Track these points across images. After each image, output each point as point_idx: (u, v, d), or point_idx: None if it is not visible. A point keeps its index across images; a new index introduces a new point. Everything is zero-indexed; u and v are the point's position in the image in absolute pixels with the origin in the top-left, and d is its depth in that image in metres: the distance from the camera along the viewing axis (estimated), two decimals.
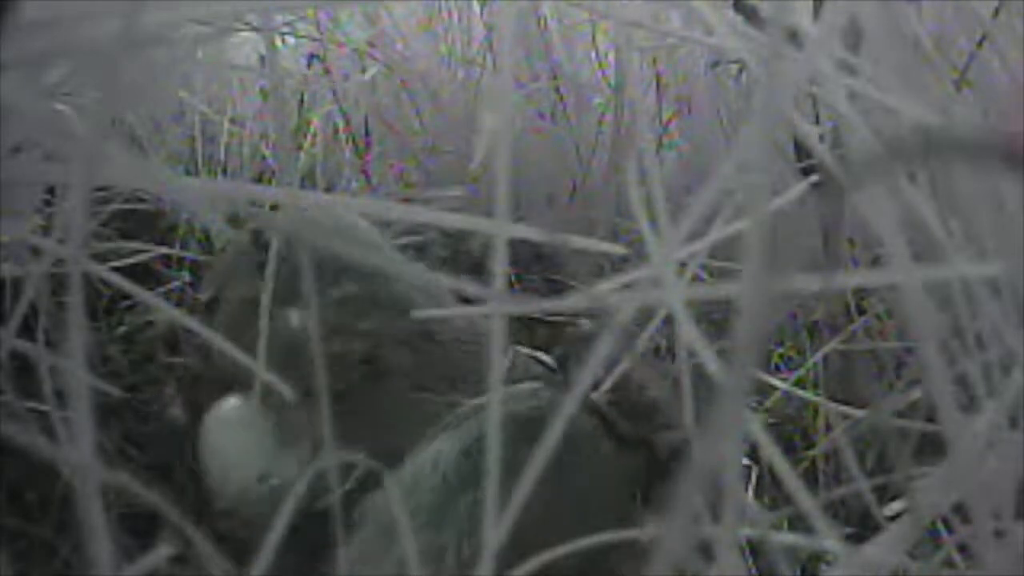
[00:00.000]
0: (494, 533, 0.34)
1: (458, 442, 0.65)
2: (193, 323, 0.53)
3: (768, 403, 0.81)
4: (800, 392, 0.76)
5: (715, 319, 0.82)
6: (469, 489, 0.62)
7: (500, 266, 0.35)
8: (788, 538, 0.43)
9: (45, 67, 0.44)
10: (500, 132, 0.34)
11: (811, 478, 0.78)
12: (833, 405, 0.74)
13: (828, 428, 0.77)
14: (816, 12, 0.67)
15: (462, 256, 1.03)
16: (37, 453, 0.33)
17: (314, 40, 1.16)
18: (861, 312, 0.79)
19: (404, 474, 0.64)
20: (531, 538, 0.60)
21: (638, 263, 0.42)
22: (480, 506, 0.63)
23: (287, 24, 1.08)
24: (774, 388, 0.78)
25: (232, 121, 1.19)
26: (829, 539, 0.36)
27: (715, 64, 1.00)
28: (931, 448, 0.60)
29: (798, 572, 0.65)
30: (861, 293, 0.79)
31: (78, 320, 0.32)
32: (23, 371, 0.70)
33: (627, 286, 0.41)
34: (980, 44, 0.67)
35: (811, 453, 0.77)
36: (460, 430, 0.66)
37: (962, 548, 0.42)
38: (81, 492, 0.31)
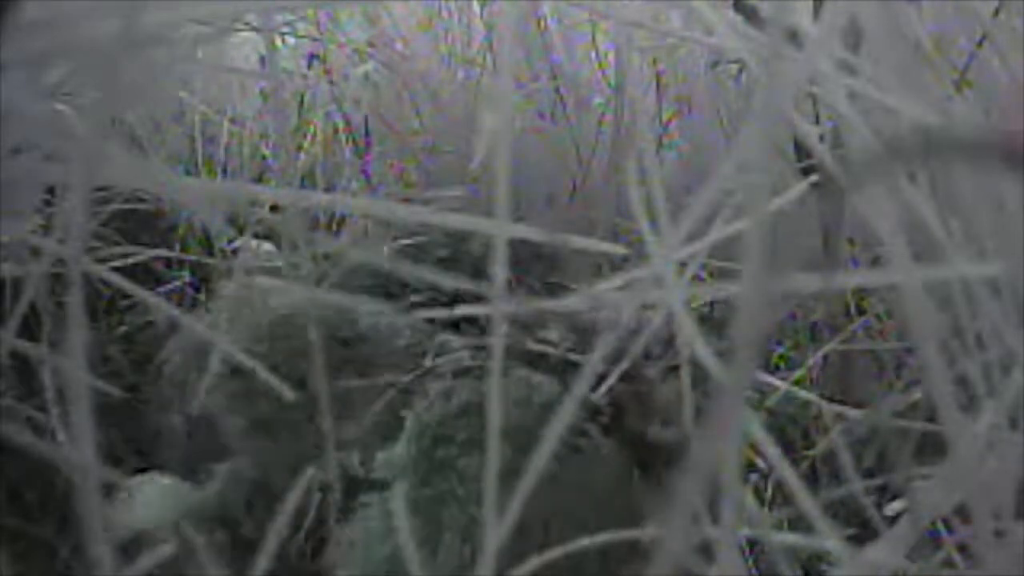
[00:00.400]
0: (493, 532, 0.34)
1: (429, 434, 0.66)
2: (192, 323, 0.53)
3: (768, 403, 0.80)
4: (801, 393, 0.76)
5: (715, 318, 0.82)
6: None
7: (501, 266, 0.35)
8: (788, 538, 0.43)
9: (45, 67, 0.44)
10: (500, 132, 0.33)
11: (812, 478, 0.78)
12: (831, 405, 0.74)
13: (828, 428, 0.77)
14: (816, 12, 0.67)
15: (463, 256, 1.03)
16: (38, 453, 0.33)
17: (314, 40, 1.16)
18: (861, 312, 0.79)
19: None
20: (531, 535, 0.60)
21: (638, 263, 0.42)
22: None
23: (287, 24, 1.08)
24: (774, 388, 0.78)
25: (232, 121, 1.19)
26: (830, 539, 0.36)
27: (715, 64, 1.00)
28: (931, 448, 0.60)
29: (799, 572, 0.65)
30: (861, 293, 0.79)
31: (78, 320, 0.32)
32: (23, 371, 0.70)
33: (628, 286, 0.41)
34: (980, 44, 0.67)
35: (811, 453, 0.77)
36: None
37: (962, 548, 0.42)
38: (82, 492, 0.31)
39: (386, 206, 0.55)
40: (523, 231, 0.38)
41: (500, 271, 0.35)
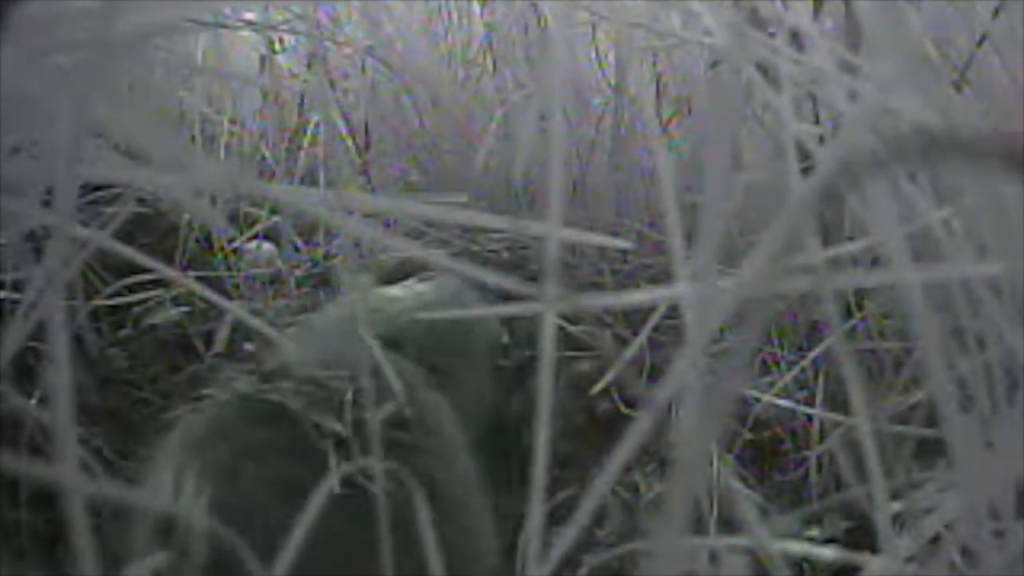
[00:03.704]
0: None
1: None
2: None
3: (756, 408, 0.81)
4: (781, 401, 0.76)
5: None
6: None
7: (550, 266, 0.35)
8: (786, 545, 0.43)
9: (43, 65, 0.44)
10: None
11: (806, 482, 0.78)
12: (815, 412, 0.74)
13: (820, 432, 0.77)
14: (816, 12, 0.67)
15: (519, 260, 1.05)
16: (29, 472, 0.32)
17: (314, 40, 1.16)
18: (861, 312, 0.79)
19: None
20: None
21: (639, 262, 0.42)
22: None
23: (287, 24, 1.08)
24: (767, 391, 0.78)
25: (232, 121, 1.18)
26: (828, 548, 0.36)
27: (715, 64, 0.99)
28: (931, 449, 0.60)
29: None
30: (861, 293, 0.79)
31: (60, 322, 0.32)
32: (23, 374, 0.70)
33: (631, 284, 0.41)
34: (980, 44, 0.67)
35: (806, 455, 0.77)
36: None
37: (962, 548, 0.42)
38: (68, 507, 0.30)
39: (388, 203, 0.55)
40: (532, 228, 0.38)
41: (550, 268, 0.35)
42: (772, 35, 0.49)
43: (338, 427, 0.61)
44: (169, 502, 0.58)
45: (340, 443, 0.61)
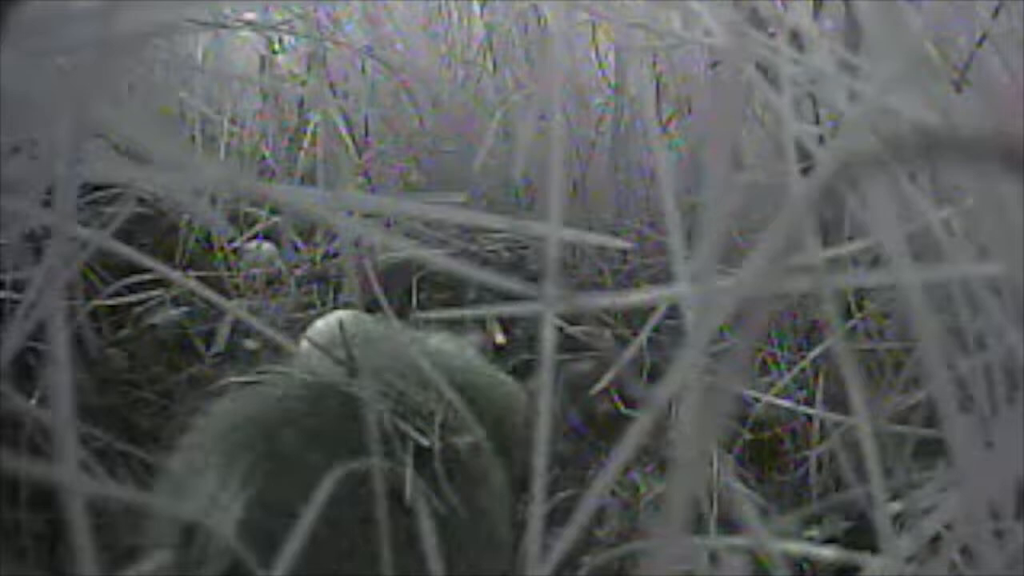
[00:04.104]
0: None
1: None
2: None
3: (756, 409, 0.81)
4: (782, 402, 0.76)
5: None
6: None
7: (550, 266, 0.35)
8: (786, 545, 0.43)
9: (43, 65, 0.44)
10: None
11: (806, 482, 0.78)
12: (816, 412, 0.74)
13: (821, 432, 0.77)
14: (816, 12, 0.67)
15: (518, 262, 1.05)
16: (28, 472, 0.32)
17: (314, 40, 1.16)
18: (861, 312, 0.79)
19: None
20: None
21: (639, 262, 0.42)
22: None
23: (287, 24, 1.08)
24: (767, 391, 0.78)
25: (232, 121, 1.19)
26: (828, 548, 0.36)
27: (715, 64, 1.00)
28: (931, 449, 0.60)
29: None
30: (861, 293, 0.79)
31: (60, 322, 0.32)
32: (23, 374, 0.70)
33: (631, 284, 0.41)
34: (980, 44, 0.67)
35: (806, 455, 0.77)
36: None
37: (962, 548, 0.42)
38: (68, 507, 0.30)
39: (387, 203, 0.54)
40: (533, 228, 0.38)
41: (550, 268, 0.35)
42: (772, 35, 0.49)
43: (426, 441, 0.60)
44: (211, 491, 0.57)
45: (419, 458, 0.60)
